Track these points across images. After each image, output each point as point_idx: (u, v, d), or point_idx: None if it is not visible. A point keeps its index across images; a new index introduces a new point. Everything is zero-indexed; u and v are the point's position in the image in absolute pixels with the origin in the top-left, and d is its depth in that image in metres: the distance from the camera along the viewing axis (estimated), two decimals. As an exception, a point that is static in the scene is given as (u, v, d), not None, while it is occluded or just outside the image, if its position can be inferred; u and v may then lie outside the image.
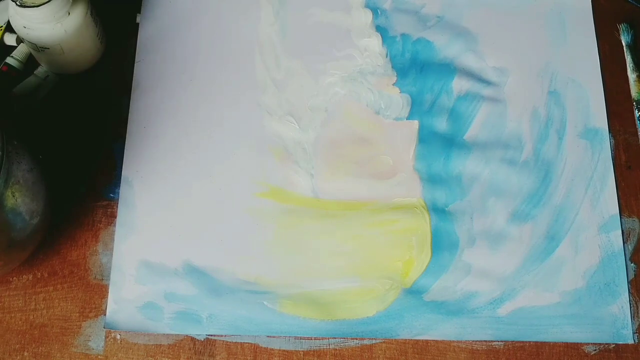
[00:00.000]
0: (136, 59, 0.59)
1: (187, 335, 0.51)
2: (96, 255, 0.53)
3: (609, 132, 0.57)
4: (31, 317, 0.52)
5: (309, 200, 0.55)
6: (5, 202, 0.45)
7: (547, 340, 0.51)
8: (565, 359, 0.51)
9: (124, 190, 0.55)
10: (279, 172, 0.56)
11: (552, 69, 0.58)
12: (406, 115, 0.57)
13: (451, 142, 0.56)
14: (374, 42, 0.59)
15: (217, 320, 0.52)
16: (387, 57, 0.59)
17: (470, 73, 0.58)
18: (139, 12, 0.61)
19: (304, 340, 0.51)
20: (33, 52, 0.57)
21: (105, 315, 0.52)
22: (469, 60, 0.59)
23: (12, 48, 0.58)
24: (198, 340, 0.52)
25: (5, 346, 0.51)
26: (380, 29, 0.60)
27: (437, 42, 0.59)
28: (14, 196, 0.46)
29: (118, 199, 0.55)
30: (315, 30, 0.60)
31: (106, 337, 0.51)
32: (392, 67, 0.59)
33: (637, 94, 0.58)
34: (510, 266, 0.53)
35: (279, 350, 0.51)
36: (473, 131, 0.56)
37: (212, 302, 0.52)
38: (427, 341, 0.51)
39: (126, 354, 0.51)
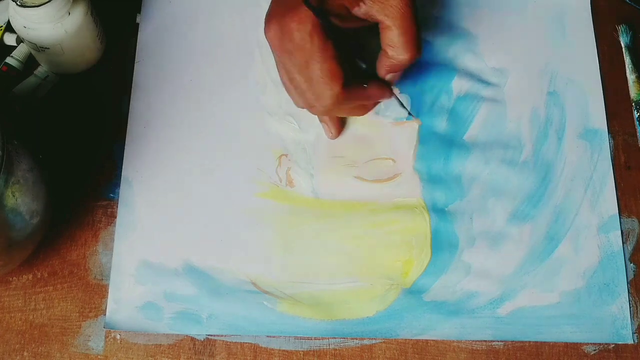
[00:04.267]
0: (136, 59, 0.59)
1: (187, 335, 0.51)
2: (96, 255, 0.53)
3: (608, 132, 0.57)
4: (31, 317, 0.52)
5: (309, 200, 0.55)
6: (5, 202, 0.45)
7: (547, 340, 0.51)
8: (565, 359, 0.51)
9: (124, 190, 0.55)
10: (279, 172, 0.56)
11: (552, 69, 0.59)
12: (406, 115, 0.57)
13: (451, 143, 0.56)
14: (374, 43, 0.59)
15: (217, 320, 0.52)
16: (386, 57, 0.59)
17: (469, 73, 0.58)
18: (139, 12, 0.61)
19: (304, 340, 0.51)
20: (33, 52, 0.57)
21: (105, 315, 0.52)
22: (469, 61, 0.59)
23: (12, 48, 0.58)
24: (198, 340, 0.51)
25: (5, 346, 0.51)
26: (380, 30, 0.60)
27: (436, 42, 0.59)
28: (14, 196, 0.46)
29: (118, 199, 0.55)
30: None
31: (106, 337, 0.51)
32: (391, 67, 0.59)
33: (636, 94, 0.58)
34: (510, 266, 0.53)
35: (279, 350, 0.51)
36: (473, 131, 0.57)
37: (212, 302, 0.52)
38: (427, 341, 0.51)
39: (126, 354, 0.51)
